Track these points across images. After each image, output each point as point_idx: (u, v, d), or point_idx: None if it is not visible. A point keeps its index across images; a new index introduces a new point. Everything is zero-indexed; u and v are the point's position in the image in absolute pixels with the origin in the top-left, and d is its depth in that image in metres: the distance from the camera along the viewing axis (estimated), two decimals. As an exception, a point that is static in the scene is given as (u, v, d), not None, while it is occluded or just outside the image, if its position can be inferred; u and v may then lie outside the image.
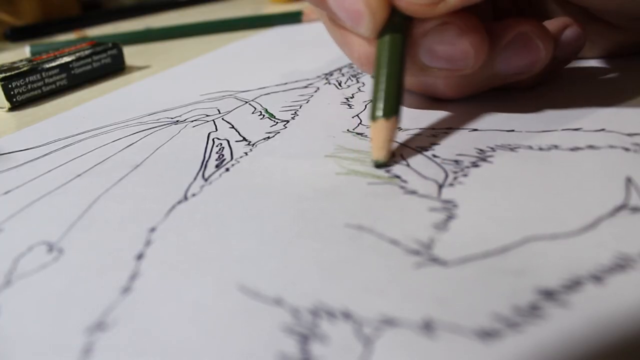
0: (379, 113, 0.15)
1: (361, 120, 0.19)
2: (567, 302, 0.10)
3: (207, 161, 0.17)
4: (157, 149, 0.18)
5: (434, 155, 0.16)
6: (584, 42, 0.19)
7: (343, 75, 0.25)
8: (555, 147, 0.15)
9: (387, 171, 0.15)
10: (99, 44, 0.31)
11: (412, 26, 0.16)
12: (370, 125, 0.16)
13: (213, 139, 0.19)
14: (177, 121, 0.21)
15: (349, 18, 0.16)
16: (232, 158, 0.17)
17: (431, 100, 0.20)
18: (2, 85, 0.25)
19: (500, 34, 0.17)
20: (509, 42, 0.17)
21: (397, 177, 0.15)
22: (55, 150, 0.19)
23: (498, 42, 0.17)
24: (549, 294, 0.10)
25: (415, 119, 0.19)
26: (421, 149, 0.16)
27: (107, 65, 0.30)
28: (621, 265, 0.10)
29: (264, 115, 0.21)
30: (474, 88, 0.19)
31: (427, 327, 0.09)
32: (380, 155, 0.15)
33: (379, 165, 0.15)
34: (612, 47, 0.22)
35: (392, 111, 0.15)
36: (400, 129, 0.18)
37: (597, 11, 0.20)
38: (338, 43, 0.19)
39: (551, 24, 0.19)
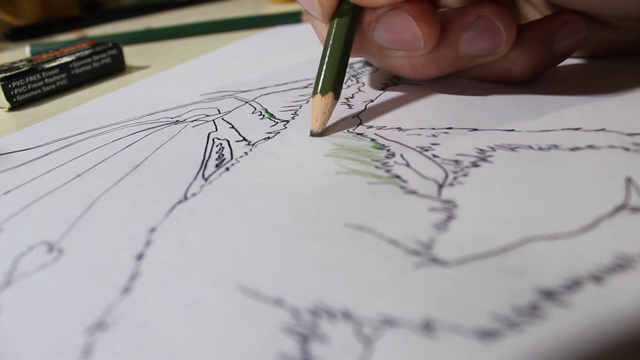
0: (318, 89, 0.18)
1: (361, 121, 0.19)
2: (567, 302, 0.10)
3: (207, 161, 0.17)
4: (157, 149, 0.18)
5: (434, 155, 0.16)
6: (583, 36, 0.19)
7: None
8: (555, 147, 0.15)
9: (387, 171, 0.15)
10: (99, 44, 0.31)
11: (363, 11, 0.18)
12: (311, 99, 0.18)
13: (213, 139, 0.19)
14: (177, 121, 0.21)
15: (305, 4, 0.19)
16: (232, 158, 0.17)
17: (431, 100, 0.20)
18: (2, 85, 0.25)
19: (463, 16, 0.18)
20: (471, 24, 0.18)
21: (397, 177, 0.15)
22: (55, 150, 0.19)
23: (461, 24, 0.18)
24: (548, 294, 0.10)
25: (415, 119, 0.19)
26: (421, 149, 0.16)
27: (107, 65, 0.30)
28: (621, 265, 0.10)
29: (264, 115, 0.21)
30: (440, 69, 0.20)
31: (427, 327, 0.09)
32: (315, 125, 0.18)
33: (313, 134, 0.18)
34: (610, 46, 0.22)
35: (328, 88, 0.18)
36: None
37: (593, 14, 0.20)
38: (312, 26, 0.22)
39: (551, 18, 0.19)
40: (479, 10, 0.18)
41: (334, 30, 0.18)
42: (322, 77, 0.18)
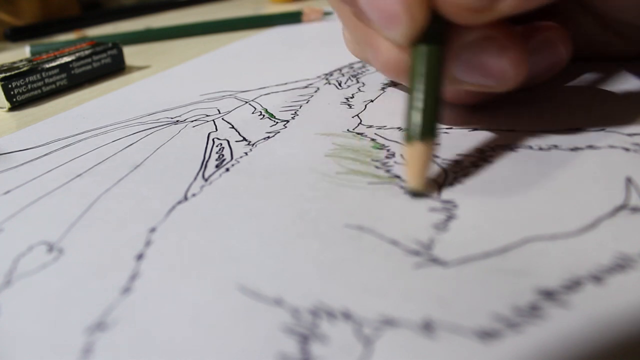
0: (416, 135, 0.14)
1: (361, 120, 0.19)
2: (567, 302, 0.10)
3: (207, 161, 0.17)
4: (157, 149, 0.18)
5: (434, 155, 0.16)
6: (570, 52, 0.19)
7: (343, 75, 0.25)
8: (555, 147, 0.15)
9: (387, 171, 0.15)
10: (99, 44, 0.31)
11: (449, 35, 0.15)
12: (405, 147, 0.14)
13: (213, 139, 0.19)
14: (177, 121, 0.21)
15: (381, 19, 0.14)
16: (232, 158, 0.17)
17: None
18: (2, 85, 0.25)
19: (526, 37, 0.17)
20: (535, 47, 0.17)
21: (397, 177, 0.15)
22: (55, 150, 0.19)
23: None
24: (548, 294, 0.10)
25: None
26: (421, 149, 0.16)
27: (107, 65, 0.30)
28: (621, 265, 0.10)
29: (264, 115, 0.21)
30: (495, 95, 0.18)
31: (427, 327, 0.09)
32: (418, 183, 0.14)
33: (415, 194, 0.14)
34: (614, 54, 0.22)
35: (430, 133, 0.14)
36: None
37: (612, 21, 0.20)
38: (360, 43, 0.17)
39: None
40: (545, 32, 0.17)
41: (425, 58, 0.14)
42: (421, 118, 0.14)
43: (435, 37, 0.14)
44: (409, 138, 0.14)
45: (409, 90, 0.14)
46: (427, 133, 0.14)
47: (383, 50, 0.16)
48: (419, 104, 0.14)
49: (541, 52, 0.17)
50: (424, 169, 0.14)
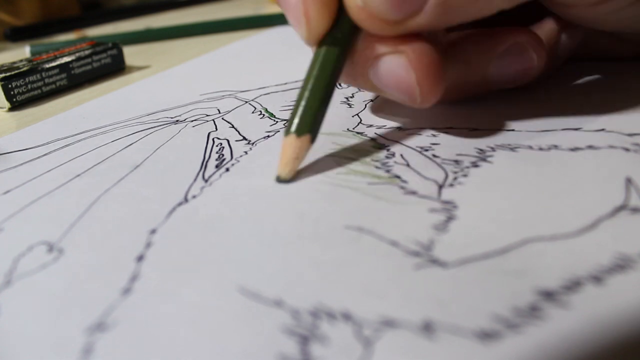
0: (292, 128, 0.15)
1: (361, 120, 0.19)
2: (567, 302, 0.10)
3: (207, 161, 0.17)
4: (157, 149, 0.18)
5: (434, 155, 0.16)
6: (579, 41, 0.19)
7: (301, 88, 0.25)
8: (555, 147, 0.15)
9: (387, 171, 0.15)
10: (99, 44, 0.31)
11: (359, 39, 0.15)
12: (282, 139, 0.15)
13: (213, 139, 0.19)
14: (177, 121, 0.21)
15: (292, 22, 0.15)
16: (232, 158, 0.17)
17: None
18: (2, 85, 0.25)
19: (496, 41, 0.17)
20: (504, 51, 0.17)
21: (397, 177, 0.15)
22: (55, 150, 0.19)
23: (493, 49, 0.17)
24: (548, 295, 0.10)
25: (415, 119, 0.19)
26: (421, 149, 0.16)
27: (107, 65, 0.30)
28: (621, 265, 0.10)
29: (263, 115, 0.21)
30: (463, 94, 0.18)
31: (427, 328, 0.09)
32: (284, 171, 0.15)
33: (280, 180, 0.15)
34: (611, 54, 0.22)
35: (305, 129, 0.15)
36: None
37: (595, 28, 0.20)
38: None
39: (549, 26, 0.19)
40: (514, 37, 0.17)
41: (320, 60, 0.15)
42: (299, 113, 0.15)
43: (336, 41, 0.15)
44: (286, 131, 0.15)
45: (301, 87, 0.15)
46: (303, 129, 0.15)
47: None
48: (303, 102, 0.15)
49: (510, 57, 0.17)
50: (291, 160, 0.15)
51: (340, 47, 0.15)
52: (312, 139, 0.15)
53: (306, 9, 0.14)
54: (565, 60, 0.20)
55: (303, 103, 0.15)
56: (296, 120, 0.15)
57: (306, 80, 0.15)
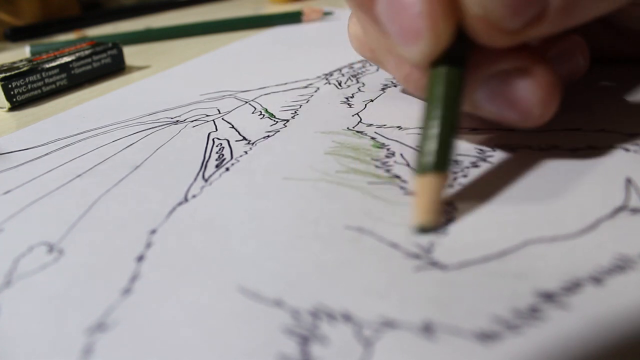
0: (429, 165, 0.12)
1: (361, 119, 0.19)
2: (567, 304, 0.10)
3: (207, 161, 0.17)
4: (157, 149, 0.18)
5: (446, 188, 0.16)
6: (588, 63, 0.19)
7: (343, 75, 0.25)
8: (555, 147, 0.15)
9: (387, 171, 0.15)
10: (99, 44, 0.31)
11: (473, 56, 0.13)
12: (416, 178, 0.13)
13: (213, 139, 0.19)
14: (177, 121, 0.21)
15: (400, 34, 0.13)
16: (232, 157, 0.17)
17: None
18: (2, 85, 0.25)
19: (546, 46, 0.16)
20: (554, 56, 0.16)
21: (397, 177, 0.15)
22: (55, 150, 0.19)
23: (544, 54, 0.16)
24: (548, 296, 0.10)
25: (415, 118, 0.19)
26: (421, 150, 0.16)
27: (107, 65, 0.30)
28: (621, 266, 0.10)
29: (264, 115, 0.21)
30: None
31: (427, 329, 0.09)
32: (427, 219, 0.12)
33: (423, 230, 0.12)
34: (618, 54, 0.22)
35: (445, 165, 0.12)
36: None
37: (621, 28, 0.20)
38: (378, 50, 0.16)
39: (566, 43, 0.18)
40: (564, 43, 0.16)
41: (444, 83, 0.13)
42: (436, 148, 0.12)
43: (457, 59, 0.13)
44: (421, 168, 0.13)
45: (424, 115, 0.13)
46: (441, 164, 0.12)
47: (400, 63, 0.15)
48: (435, 131, 0.13)
49: (560, 62, 0.17)
50: (434, 203, 0.12)
51: (461, 65, 0.13)
52: (448, 175, 0.13)
53: (434, 19, 0.12)
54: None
55: (436, 134, 0.13)
56: (432, 156, 0.12)
57: (432, 106, 0.13)
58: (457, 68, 0.13)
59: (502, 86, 0.14)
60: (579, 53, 0.17)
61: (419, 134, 0.13)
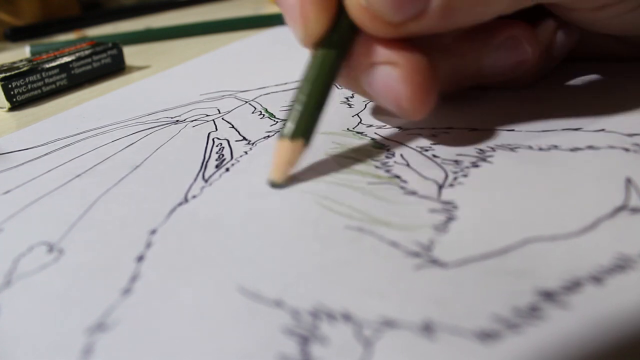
0: (287, 132, 0.15)
1: (361, 120, 0.19)
2: (567, 303, 0.10)
3: (207, 161, 0.17)
4: (157, 149, 0.18)
5: (434, 156, 0.16)
6: (575, 40, 0.19)
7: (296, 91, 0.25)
8: (555, 147, 0.15)
9: (387, 171, 0.15)
10: (99, 44, 0.31)
11: (357, 42, 0.15)
12: (276, 141, 0.15)
13: (213, 139, 0.19)
14: (177, 121, 0.21)
15: (288, 21, 0.15)
16: (232, 158, 0.17)
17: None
18: (2, 85, 0.25)
19: (491, 34, 0.17)
20: (499, 43, 0.17)
21: (397, 177, 0.15)
22: (55, 150, 0.19)
23: (488, 42, 0.17)
24: (548, 295, 0.10)
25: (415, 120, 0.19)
26: (421, 149, 0.16)
27: (107, 65, 0.30)
28: (621, 266, 0.10)
29: (264, 115, 0.21)
30: (457, 85, 0.18)
31: (427, 328, 0.09)
32: (276, 176, 0.15)
33: (273, 185, 0.15)
34: (613, 54, 0.22)
35: (300, 133, 0.15)
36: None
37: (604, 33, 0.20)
38: None
39: (546, 25, 0.19)
40: (510, 30, 0.17)
41: (317, 62, 0.15)
42: (293, 117, 0.15)
43: (337, 44, 0.15)
44: (281, 134, 0.15)
45: (297, 89, 0.15)
46: (298, 134, 0.15)
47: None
48: (298, 105, 0.15)
49: (504, 50, 0.17)
50: (285, 165, 0.15)
51: (337, 50, 0.15)
52: (306, 143, 0.15)
53: (304, 9, 0.14)
54: (561, 59, 0.20)
55: (298, 107, 0.15)
56: (290, 124, 0.15)
57: (302, 83, 0.15)
58: (334, 52, 0.15)
59: (379, 77, 0.15)
60: (524, 41, 0.17)
61: (289, 106, 0.15)
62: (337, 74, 0.15)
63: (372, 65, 0.15)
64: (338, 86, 0.24)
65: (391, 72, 0.14)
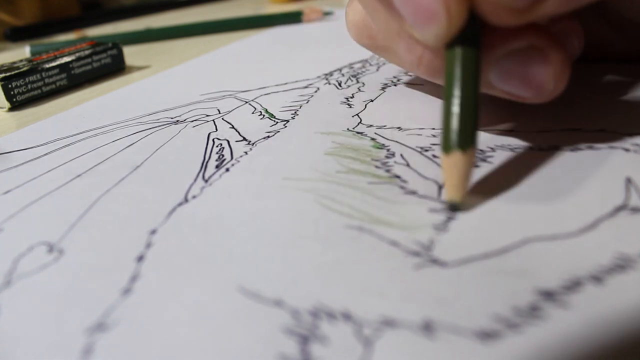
0: (454, 143, 0.13)
1: (361, 120, 0.19)
2: (567, 302, 0.10)
3: (207, 161, 0.17)
4: (157, 150, 0.18)
5: (434, 156, 0.16)
6: (582, 46, 0.19)
7: (343, 75, 0.25)
8: (555, 147, 0.15)
9: (387, 171, 0.15)
10: (99, 44, 0.31)
11: (486, 37, 0.14)
12: (442, 157, 0.13)
13: (213, 139, 0.19)
14: (177, 121, 0.21)
15: (416, 17, 0.13)
16: (232, 158, 0.17)
17: (431, 100, 0.20)
18: (2, 85, 0.25)
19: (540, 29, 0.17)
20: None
21: (397, 177, 0.15)
22: (55, 150, 0.19)
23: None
24: (548, 295, 0.10)
25: (415, 119, 0.19)
26: (421, 149, 0.16)
27: (107, 65, 0.30)
28: (621, 265, 0.10)
29: (264, 115, 0.21)
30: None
31: (427, 328, 0.09)
32: (456, 195, 0.13)
33: (453, 207, 0.13)
34: (619, 55, 0.22)
35: (469, 141, 0.13)
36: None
37: (619, 19, 0.20)
38: (386, 35, 0.17)
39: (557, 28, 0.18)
40: (558, 26, 0.16)
41: (461, 62, 0.13)
42: (458, 126, 0.13)
43: (471, 39, 0.13)
44: (446, 147, 0.13)
45: (444, 96, 0.13)
46: (466, 141, 0.13)
47: (412, 46, 0.15)
48: (456, 109, 0.13)
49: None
50: (464, 180, 0.13)
51: (476, 44, 0.13)
52: (475, 152, 0.13)
53: (446, 2, 0.12)
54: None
55: (458, 112, 0.13)
56: (456, 134, 0.13)
57: (451, 86, 0.13)
58: (472, 48, 0.13)
59: (515, 65, 0.14)
60: (573, 35, 0.17)
61: (441, 114, 0.13)
62: (480, 71, 0.14)
63: (505, 56, 0.14)
64: (340, 86, 0.24)
65: (534, 56, 0.14)
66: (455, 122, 0.13)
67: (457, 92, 0.13)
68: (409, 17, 0.13)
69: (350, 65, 0.27)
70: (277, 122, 0.20)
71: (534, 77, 0.14)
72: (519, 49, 0.14)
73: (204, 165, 0.17)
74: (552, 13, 0.13)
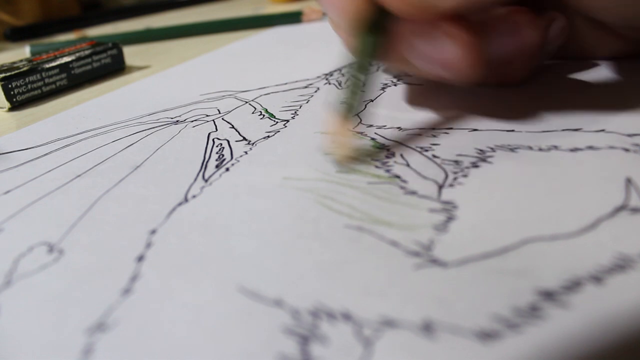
0: (342, 111, 0.16)
1: (361, 120, 0.19)
2: (567, 302, 0.10)
3: (207, 162, 0.17)
4: (157, 150, 0.18)
5: (434, 156, 0.16)
6: (566, 34, 0.19)
7: (343, 75, 0.25)
8: (555, 147, 0.15)
9: (387, 171, 0.15)
10: (99, 44, 0.31)
11: (404, 25, 0.16)
12: (329, 120, 0.16)
13: (213, 139, 0.19)
14: (177, 121, 0.21)
15: (330, 10, 0.16)
16: (232, 158, 0.17)
17: (431, 100, 0.20)
18: (2, 85, 0.25)
19: (495, 22, 0.17)
20: (501, 30, 0.17)
21: (397, 177, 0.15)
22: (55, 150, 0.19)
23: (492, 27, 0.17)
24: (548, 295, 0.10)
25: (415, 119, 0.19)
26: (421, 149, 0.16)
27: (107, 65, 0.30)
28: (621, 265, 0.10)
29: (264, 115, 0.21)
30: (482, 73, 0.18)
31: (427, 328, 0.09)
32: (340, 157, 0.16)
33: (340, 169, 0.15)
34: (614, 54, 0.22)
35: (350, 111, 0.16)
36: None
37: (603, 20, 0.20)
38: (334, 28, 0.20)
39: (540, 19, 0.19)
40: (510, 18, 0.17)
41: (362, 47, 0.16)
42: (347, 98, 0.16)
43: (378, 27, 0.16)
44: (336, 114, 0.16)
45: (349, 74, 0.16)
46: (348, 110, 0.16)
47: (346, 39, 0.18)
48: (347, 84, 0.16)
49: (506, 35, 0.17)
50: (343, 140, 0.16)
51: (380, 33, 0.16)
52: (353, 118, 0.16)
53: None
54: (553, 54, 0.20)
55: (351, 89, 0.16)
56: (345, 104, 0.16)
57: (351, 66, 0.16)
58: (374, 36, 0.16)
59: (423, 45, 0.16)
60: (526, 26, 0.17)
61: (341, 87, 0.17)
62: (376, 55, 0.16)
63: (414, 36, 0.16)
64: (340, 86, 0.24)
65: (435, 34, 0.15)
66: (345, 96, 0.16)
67: (351, 72, 0.16)
68: (330, 12, 0.17)
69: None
70: (277, 122, 0.20)
71: (442, 54, 0.15)
72: (420, 29, 0.16)
73: (204, 165, 0.17)
74: (453, 9, 0.15)
